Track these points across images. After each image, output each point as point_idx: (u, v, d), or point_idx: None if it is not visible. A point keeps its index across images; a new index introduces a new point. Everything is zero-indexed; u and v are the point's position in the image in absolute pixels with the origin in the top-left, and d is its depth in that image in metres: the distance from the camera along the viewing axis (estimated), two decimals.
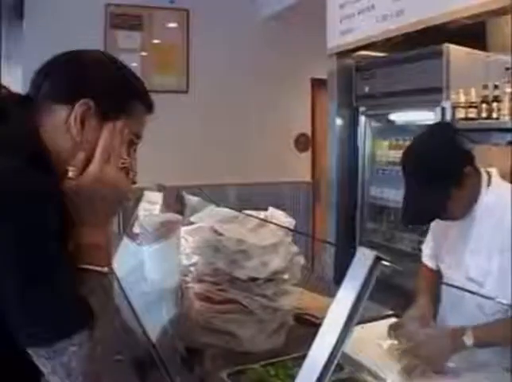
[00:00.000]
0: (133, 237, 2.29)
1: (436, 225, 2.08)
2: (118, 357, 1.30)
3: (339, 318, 0.81)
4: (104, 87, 1.20)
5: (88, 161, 1.14)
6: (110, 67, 1.27)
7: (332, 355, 0.81)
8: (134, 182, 1.24)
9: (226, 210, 1.96)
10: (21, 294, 0.97)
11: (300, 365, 1.56)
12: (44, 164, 1.11)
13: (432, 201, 1.73)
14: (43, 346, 0.98)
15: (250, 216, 1.85)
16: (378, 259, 0.80)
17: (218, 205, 2.10)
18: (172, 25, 5.90)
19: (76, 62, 1.25)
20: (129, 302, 1.78)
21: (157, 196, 2.81)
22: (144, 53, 5.71)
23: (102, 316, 1.06)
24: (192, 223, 2.03)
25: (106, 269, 1.13)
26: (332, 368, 0.82)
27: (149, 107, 1.29)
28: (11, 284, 0.97)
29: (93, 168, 1.13)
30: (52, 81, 1.22)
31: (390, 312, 2.11)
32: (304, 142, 6.48)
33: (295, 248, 1.86)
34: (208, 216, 1.90)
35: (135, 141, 1.25)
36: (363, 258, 0.81)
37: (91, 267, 1.10)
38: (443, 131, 1.95)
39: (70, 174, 1.12)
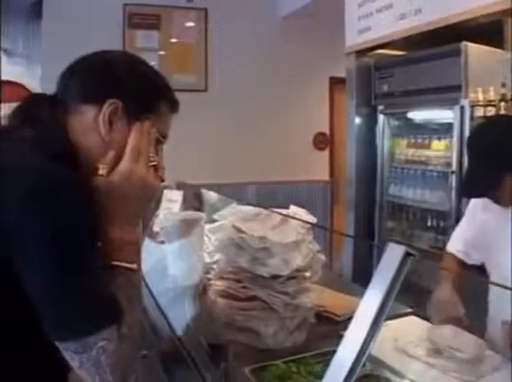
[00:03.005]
0: (154, 236, 2.31)
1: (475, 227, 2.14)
2: (144, 352, 1.32)
3: (369, 314, 0.81)
4: (131, 87, 1.22)
5: (117, 159, 1.16)
6: (137, 67, 1.29)
7: (362, 350, 0.82)
8: (162, 180, 1.26)
9: (248, 208, 1.97)
10: (52, 289, 0.99)
11: (320, 362, 1.60)
12: (72, 162, 1.13)
13: (487, 180, 1.89)
14: (72, 340, 1.00)
15: (274, 213, 1.86)
16: (407, 255, 0.80)
17: (238, 203, 2.12)
18: (190, 24, 5.92)
19: (103, 62, 1.27)
20: (154, 299, 1.80)
21: (177, 195, 2.83)
22: (162, 52, 5.75)
23: (130, 311, 1.08)
24: (214, 221, 2.04)
25: (135, 265, 1.14)
26: (361, 363, 0.82)
27: (175, 107, 1.30)
28: (43, 278, 0.99)
29: (123, 166, 1.15)
30: (79, 82, 1.24)
31: (409, 310, 2.11)
32: (322, 141, 6.48)
33: (316, 246, 1.87)
34: (230, 214, 1.92)
35: (161, 140, 1.27)
36: (393, 253, 0.82)
37: (120, 264, 1.12)
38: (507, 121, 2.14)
39: (100, 172, 1.14)
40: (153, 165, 1.21)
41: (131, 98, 1.20)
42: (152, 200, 1.22)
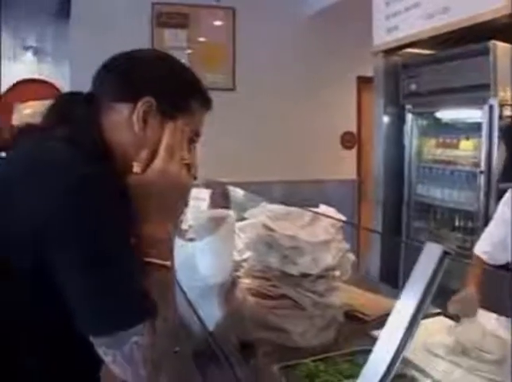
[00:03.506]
0: (182, 233, 2.32)
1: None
2: (176, 348, 1.33)
3: (407, 313, 0.81)
4: (165, 85, 1.23)
5: (151, 157, 1.17)
6: (171, 66, 1.30)
7: (398, 351, 0.82)
8: (195, 178, 1.27)
9: (279, 207, 1.97)
10: (87, 283, 1.00)
11: (349, 361, 1.60)
12: (107, 161, 1.15)
13: None
14: (106, 335, 1.01)
15: (304, 211, 1.87)
16: (445, 254, 0.80)
17: (267, 202, 2.12)
18: (218, 23, 5.94)
19: (137, 61, 1.28)
20: (184, 295, 1.81)
21: (205, 193, 2.84)
22: (190, 51, 5.78)
23: (163, 308, 1.09)
24: (243, 219, 2.05)
25: (168, 262, 1.15)
26: (398, 363, 0.82)
27: (208, 105, 1.31)
28: (78, 272, 1.00)
29: (157, 164, 1.16)
30: (113, 80, 1.25)
31: (437, 310, 2.11)
32: (350, 140, 6.46)
33: (346, 245, 1.87)
34: (260, 213, 1.92)
35: (194, 138, 1.28)
36: (431, 252, 0.81)
37: (154, 260, 1.13)
38: None
39: (134, 170, 1.15)
40: (186, 164, 1.22)
41: (164, 96, 1.21)
42: (185, 197, 1.23)
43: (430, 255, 0.81)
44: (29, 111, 5.88)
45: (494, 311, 2.13)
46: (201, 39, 5.88)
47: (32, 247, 1.01)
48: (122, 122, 1.19)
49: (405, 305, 0.83)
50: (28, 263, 1.03)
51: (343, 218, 1.90)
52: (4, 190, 1.10)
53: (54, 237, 1.00)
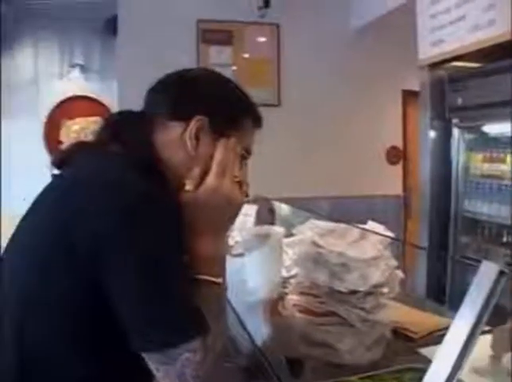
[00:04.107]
0: (228, 249, 2.34)
1: None
2: (226, 364, 1.34)
3: (462, 334, 0.81)
4: (217, 104, 1.25)
5: (203, 175, 1.19)
6: (222, 84, 1.32)
7: (453, 372, 0.81)
8: (247, 195, 1.28)
9: (326, 223, 1.98)
10: (141, 300, 1.02)
11: (396, 379, 1.59)
12: (160, 178, 1.17)
13: None
14: (158, 352, 1.03)
15: (352, 228, 1.87)
16: (501, 273, 0.80)
17: (312, 217, 2.13)
18: (263, 39, 5.96)
19: (190, 80, 1.31)
20: (233, 310, 1.83)
21: (251, 209, 2.86)
22: (235, 67, 5.82)
23: (214, 324, 1.10)
24: (291, 235, 2.06)
25: (220, 279, 1.17)
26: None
27: (259, 123, 1.33)
28: (132, 289, 1.02)
29: (210, 181, 1.18)
30: (166, 99, 1.28)
31: (487, 328, 2.07)
32: (395, 155, 6.40)
33: (394, 262, 1.86)
34: (308, 229, 1.93)
35: (246, 155, 1.30)
36: (487, 271, 0.81)
37: (206, 278, 1.15)
38: None
39: (187, 187, 1.18)
40: (238, 181, 1.24)
41: (217, 114, 1.23)
42: (237, 215, 1.25)
43: (486, 275, 0.81)
44: (76, 128, 6.02)
45: None
46: (246, 55, 5.91)
47: (86, 267, 1.03)
48: (175, 140, 1.22)
49: (460, 326, 0.82)
50: (81, 282, 1.05)
51: (391, 235, 1.89)
52: (58, 210, 1.12)
53: (110, 256, 1.02)
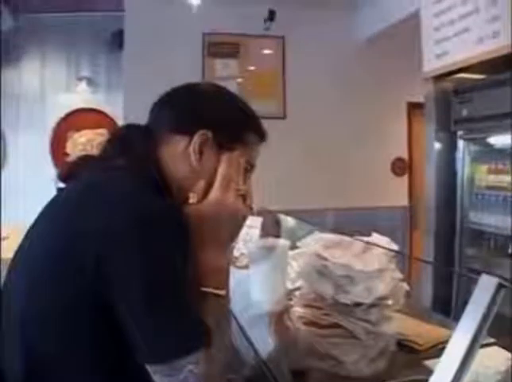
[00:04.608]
0: (233, 261, 2.35)
1: None
2: (230, 376, 1.34)
3: (461, 347, 0.82)
4: (221, 118, 1.27)
5: (207, 188, 1.20)
6: (226, 98, 1.34)
7: None
8: (251, 208, 1.29)
9: (331, 235, 1.98)
10: (145, 311, 1.03)
11: None
12: (165, 190, 1.19)
13: None
14: (162, 363, 1.03)
15: (358, 240, 1.87)
16: (500, 286, 0.81)
17: (316, 229, 2.13)
18: (268, 51, 6.02)
19: (194, 94, 1.33)
20: (237, 323, 1.83)
21: (256, 221, 2.86)
22: (240, 80, 5.87)
23: (218, 336, 1.11)
24: (295, 247, 2.07)
25: (223, 292, 1.18)
26: None
27: (263, 137, 1.35)
28: (137, 300, 1.03)
29: (214, 194, 1.19)
30: (171, 113, 1.30)
31: (491, 340, 2.06)
32: (400, 167, 6.42)
33: (399, 274, 1.87)
34: (313, 241, 1.93)
35: (249, 169, 1.31)
36: (486, 284, 0.82)
37: (209, 290, 1.15)
38: None
39: (191, 200, 1.19)
40: (242, 194, 1.25)
41: (221, 129, 1.25)
42: (241, 227, 1.26)
43: (485, 288, 0.82)
44: (83, 140, 6.05)
45: None
46: (251, 68, 5.97)
47: (93, 280, 1.04)
48: (179, 153, 1.24)
49: (460, 339, 0.83)
50: (88, 296, 1.06)
51: (396, 247, 1.89)
52: (64, 223, 1.13)
53: (117, 269, 1.03)
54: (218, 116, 1.27)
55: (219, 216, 1.18)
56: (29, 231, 1.24)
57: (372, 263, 1.78)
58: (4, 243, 3.74)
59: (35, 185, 5.70)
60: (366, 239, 1.92)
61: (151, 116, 1.35)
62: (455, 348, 0.82)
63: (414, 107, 6.09)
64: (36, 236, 1.21)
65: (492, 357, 1.88)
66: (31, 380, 1.10)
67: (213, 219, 1.18)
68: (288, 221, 3.06)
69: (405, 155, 6.48)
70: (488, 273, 0.85)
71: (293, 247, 2.07)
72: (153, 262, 1.03)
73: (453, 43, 3.98)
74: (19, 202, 5.72)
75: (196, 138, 1.22)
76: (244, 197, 1.26)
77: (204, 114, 1.27)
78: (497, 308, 0.84)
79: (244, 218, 1.25)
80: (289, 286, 2.00)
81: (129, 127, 1.38)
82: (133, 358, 1.05)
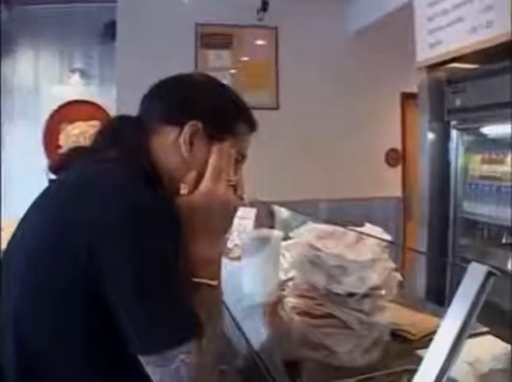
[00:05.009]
0: (227, 252, 2.35)
1: None
2: (222, 367, 1.35)
3: (450, 334, 0.82)
4: (212, 109, 1.27)
5: (198, 179, 1.20)
6: (217, 89, 1.34)
7: (441, 373, 0.82)
8: (242, 199, 1.29)
9: (323, 226, 1.99)
10: (137, 303, 1.03)
11: (394, 381, 1.59)
12: (156, 181, 1.19)
13: None
14: (154, 354, 1.04)
15: (350, 230, 1.88)
16: (490, 274, 0.81)
17: (309, 220, 2.13)
18: (261, 42, 6.00)
19: (185, 85, 1.33)
20: (230, 314, 1.84)
21: (250, 212, 2.87)
22: (233, 71, 5.85)
23: (210, 326, 1.11)
24: (288, 238, 2.07)
25: (216, 282, 1.18)
26: None
27: (253, 127, 1.35)
28: (128, 292, 1.03)
29: (205, 185, 1.19)
30: (161, 104, 1.30)
31: (485, 329, 2.07)
32: (394, 157, 6.43)
33: (392, 264, 1.87)
34: (306, 232, 1.94)
35: (240, 159, 1.31)
36: (475, 272, 0.82)
37: (201, 281, 1.16)
38: None
39: (182, 191, 1.19)
40: (233, 185, 1.25)
41: (211, 119, 1.25)
42: (233, 218, 1.26)
43: (474, 276, 0.82)
44: (76, 132, 6.02)
45: None
46: (244, 59, 5.95)
47: (84, 273, 1.04)
48: (169, 144, 1.24)
49: (449, 327, 0.83)
50: (80, 288, 1.06)
51: (389, 237, 1.89)
52: (56, 214, 1.13)
53: (107, 259, 1.03)
54: (208, 107, 1.27)
55: (210, 207, 1.18)
56: (20, 223, 1.24)
57: (365, 253, 1.78)
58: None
59: (28, 177, 5.68)
60: (358, 229, 1.92)
61: (142, 108, 1.35)
62: (444, 337, 0.83)
63: (408, 98, 6.10)
64: (28, 228, 1.21)
65: (488, 347, 1.90)
66: (25, 376, 1.10)
67: (204, 209, 1.18)
68: (282, 212, 3.06)
69: (399, 146, 6.49)
70: (481, 263, 0.85)
71: (286, 237, 2.08)
72: (144, 254, 1.03)
73: (447, 32, 3.97)
74: (13, 194, 5.70)
75: (187, 129, 1.22)
76: (235, 188, 1.26)
77: (194, 105, 1.26)
78: (486, 296, 0.84)
79: (235, 209, 1.25)
80: (282, 276, 2.00)
81: (121, 119, 1.38)
82: (128, 351, 1.05)
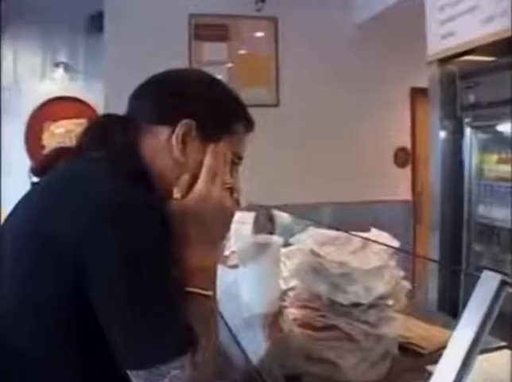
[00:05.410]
0: (224, 260, 2.35)
1: None
2: (218, 381, 1.35)
3: (462, 348, 0.82)
4: (205, 107, 1.27)
5: (192, 181, 1.21)
6: (211, 87, 1.34)
7: None
8: (239, 202, 1.30)
9: (327, 231, 1.99)
10: (126, 316, 1.04)
11: None
12: (147, 184, 1.19)
13: None
14: (145, 369, 1.04)
15: (355, 236, 1.88)
16: (504, 283, 0.81)
17: (311, 225, 2.13)
18: (260, 34, 5.98)
19: (175, 81, 1.33)
20: (226, 325, 1.84)
21: (248, 217, 2.86)
22: (230, 65, 5.83)
23: (204, 339, 1.11)
24: (288, 244, 2.07)
25: (210, 292, 1.19)
26: None
27: (250, 127, 1.35)
28: (117, 304, 1.04)
29: (199, 188, 1.19)
30: (152, 102, 1.30)
31: (502, 343, 2.07)
32: (403, 157, 6.41)
33: (400, 272, 1.87)
34: (307, 238, 1.94)
35: (237, 161, 1.31)
36: (488, 282, 0.82)
37: (196, 290, 1.16)
38: None
39: (175, 195, 1.19)
40: (229, 188, 1.25)
41: (205, 118, 1.25)
42: (230, 223, 1.26)
43: (487, 285, 0.82)
44: (61, 131, 6.03)
45: None
46: (242, 52, 5.94)
47: (70, 278, 1.05)
48: (161, 145, 1.24)
49: (459, 340, 0.84)
50: (65, 294, 1.06)
51: (397, 243, 1.89)
52: (39, 218, 1.14)
53: (93, 268, 1.04)
54: (201, 105, 1.27)
55: (205, 212, 1.19)
56: (2, 227, 1.25)
57: (371, 260, 1.78)
58: None
59: (11, 177, 5.67)
60: (364, 234, 1.92)
61: (130, 106, 1.35)
62: (455, 351, 0.83)
63: (418, 93, 6.07)
64: (10, 237, 1.21)
65: (504, 362, 1.90)
66: (5, 376, 1.11)
67: (198, 214, 1.18)
68: (282, 216, 3.06)
69: (409, 145, 6.47)
70: (498, 271, 0.85)
71: (287, 244, 2.08)
72: (133, 262, 1.04)
73: (459, 23, 3.97)
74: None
75: (179, 128, 1.23)
76: (231, 191, 1.26)
77: (188, 103, 1.27)
78: (501, 307, 0.84)
79: (232, 213, 1.25)
80: (283, 285, 2.00)
81: (109, 117, 1.37)
82: (117, 366, 1.06)
